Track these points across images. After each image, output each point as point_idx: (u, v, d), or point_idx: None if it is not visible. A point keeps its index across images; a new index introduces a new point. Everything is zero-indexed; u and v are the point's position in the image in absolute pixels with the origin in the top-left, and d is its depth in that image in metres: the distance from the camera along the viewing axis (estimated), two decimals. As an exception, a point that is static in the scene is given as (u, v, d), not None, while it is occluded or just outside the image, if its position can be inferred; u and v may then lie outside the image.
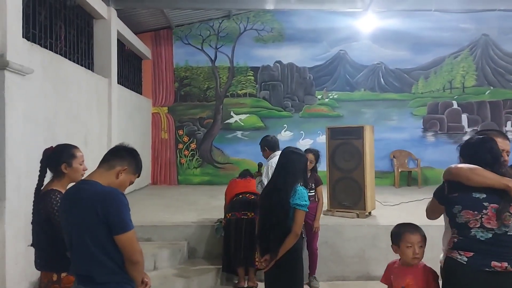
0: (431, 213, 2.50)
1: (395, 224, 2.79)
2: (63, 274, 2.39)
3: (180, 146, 9.59)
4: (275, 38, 9.61)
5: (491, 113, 9.64)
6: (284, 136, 9.58)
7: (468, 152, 2.33)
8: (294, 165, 3.01)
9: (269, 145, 4.54)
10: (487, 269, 2.09)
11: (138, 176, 2.30)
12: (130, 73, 8.81)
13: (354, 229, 5.20)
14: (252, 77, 9.63)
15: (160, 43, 9.57)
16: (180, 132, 9.60)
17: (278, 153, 4.53)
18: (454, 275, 2.19)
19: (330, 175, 5.77)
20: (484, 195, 2.14)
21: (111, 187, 2.07)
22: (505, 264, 2.08)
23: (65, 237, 2.08)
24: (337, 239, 5.12)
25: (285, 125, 9.61)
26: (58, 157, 2.58)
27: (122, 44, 8.10)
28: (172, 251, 4.72)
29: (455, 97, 9.66)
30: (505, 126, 9.63)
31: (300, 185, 2.98)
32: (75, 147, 2.69)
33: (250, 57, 9.60)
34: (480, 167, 2.20)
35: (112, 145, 2.38)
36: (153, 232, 5.06)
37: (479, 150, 2.26)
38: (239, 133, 9.59)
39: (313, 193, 4.74)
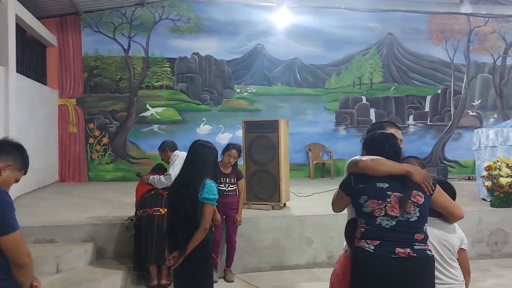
0: (337, 205, 2.56)
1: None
2: None
3: (91, 140, 9.03)
4: (192, 29, 9.41)
5: (396, 107, 10.37)
6: (203, 130, 9.46)
7: (372, 147, 2.42)
8: (204, 158, 2.93)
9: (169, 145, 4.78)
10: (392, 256, 2.17)
11: (25, 173, 2.15)
12: (32, 61, 8.08)
13: (268, 220, 5.28)
14: (169, 69, 9.34)
15: (66, 30, 8.89)
16: (91, 125, 9.03)
17: (178, 151, 4.67)
18: (362, 264, 2.26)
19: (247, 168, 5.79)
20: (387, 185, 2.24)
21: None
22: (408, 250, 2.17)
23: None
24: (253, 231, 5.16)
25: (204, 119, 9.48)
26: None
27: (22, 30, 7.39)
28: (78, 252, 4.41)
29: (364, 92, 10.23)
30: (408, 120, 10.42)
31: (210, 178, 2.92)
32: None
33: (166, 48, 9.30)
34: (382, 158, 2.31)
35: (11, 140, 2.20)
36: (57, 233, 4.69)
37: (383, 146, 2.37)
38: (155, 127, 9.27)
39: (235, 187, 4.82)
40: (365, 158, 2.35)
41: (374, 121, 10.22)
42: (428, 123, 10.48)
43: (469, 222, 5.55)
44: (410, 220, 2.21)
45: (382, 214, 2.23)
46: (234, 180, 4.77)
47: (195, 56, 9.45)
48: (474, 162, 7.26)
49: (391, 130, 2.59)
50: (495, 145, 6.24)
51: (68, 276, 4.12)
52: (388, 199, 2.22)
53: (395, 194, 2.22)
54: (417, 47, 10.29)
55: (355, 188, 2.32)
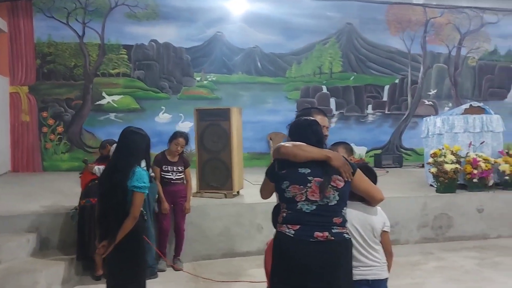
0: (264, 192, 2.60)
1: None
2: None
3: (45, 129, 8.76)
4: (149, 16, 9.21)
5: (355, 97, 10.52)
6: (162, 119, 9.34)
7: (296, 133, 2.46)
8: (135, 145, 2.90)
9: (109, 141, 4.80)
10: (311, 240, 2.22)
11: None
12: (-20, 47, 7.75)
13: (219, 208, 5.31)
14: (126, 56, 9.13)
15: (17, 15, 8.52)
16: (44, 114, 8.74)
17: None
18: (282, 248, 2.31)
19: (199, 156, 5.78)
20: (309, 170, 2.28)
21: None
22: (326, 233, 2.23)
23: None
24: (203, 219, 5.18)
25: (163, 107, 9.35)
26: None
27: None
28: (19, 243, 4.30)
29: (324, 82, 10.32)
30: (367, 109, 10.61)
31: (142, 166, 2.89)
32: None
33: (123, 35, 9.07)
34: (304, 144, 2.35)
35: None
36: (-2, 224, 4.56)
37: (305, 132, 2.42)
38: (112, 115, 9.07)
39: (182, 175, 4.82)
40: (287, 144, 2.38)
41: (334, 110, 10.38)
42: (386, 112, 10.69)
43: (414, 207, 5.75)
44: (329, 204, 2.26)
45: (303, 199, 2.27)
46: (182, 168, 4.78)
47: (153, 43, 9.28)
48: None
49: (317, 117, 2.63)
50: (442, 133, 6.45)
51: (8, 267, 4.02)
52: (309, 184, 2.27)
53: (316, 179, 2.27)
54: (375, 37, 10.44)
55: (278, 174, 2.36)
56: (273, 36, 9.88)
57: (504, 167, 6.12)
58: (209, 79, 9.65)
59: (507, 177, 6.15)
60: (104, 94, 9.02)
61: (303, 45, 10.08)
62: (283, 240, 2.31)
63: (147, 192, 2.87)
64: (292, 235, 2.26)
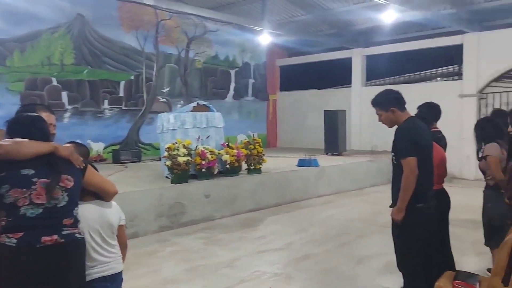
0: None
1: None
2: None
3: None
4: None
5: (90, 91, 10.17)
6: None
7: (17, 131, 2.24)
8: None
9: None
10: (37, 246, 2.07)
11: None
12: None
13: None
14: None
15: None
16: None
17: None
18: (4, 261, 2.07)
19: None
20: (33, 171, 2.12)
21: None
22: (55, 236, 2.11)
23: None
24: None
25: None
26: None
27: None
28: None
29: (55, 74, 9.55)
30: (103, 104, 10.41)
31: None
32: None
33: None
34: (26, 140, 2.16)
35: None
36: None
37: (29, 129, 2.24)
38: None
39: None
40: (6, 142, 2.15)
41: (67, 104, 9.77)
42: (123, 107, 10.79)
43: (151, 199, 6.07)
44: (58, 205, 2.16)
45: (26, 203, 2.09)
46: None
47: None
48: (162, 144, 7.92)
49: (43, 114, 2.48)
50: (175, 128, 7.02)
51: None
52: (33, 186, 2.11)
53: (42, 180, 2.12)
54: (109, 32, 10.36)
55: None
56: (-11, 17, 8.47)
57: (225, 157, 7.14)
58: None
59: (228, 166, 7.20)
60: None
61: (27, 32, 9.05)
62: (2, 252, 2.07)
63: None
64: (14, 244, 2.05)
